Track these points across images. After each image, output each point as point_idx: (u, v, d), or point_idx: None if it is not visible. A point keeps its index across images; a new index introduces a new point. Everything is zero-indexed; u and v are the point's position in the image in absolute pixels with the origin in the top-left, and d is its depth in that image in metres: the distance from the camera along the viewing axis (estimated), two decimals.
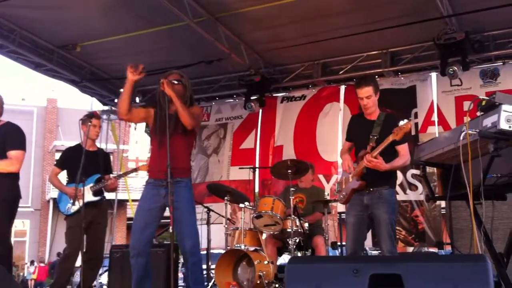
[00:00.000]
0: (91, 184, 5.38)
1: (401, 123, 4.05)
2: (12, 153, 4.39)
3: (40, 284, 17.74)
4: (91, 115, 5.45)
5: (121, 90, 9.02)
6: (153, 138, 4.29)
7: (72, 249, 5.16)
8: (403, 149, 4.34)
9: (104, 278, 7.68)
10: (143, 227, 4.10)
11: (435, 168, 4.49)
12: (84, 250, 5.02)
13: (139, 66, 4.09)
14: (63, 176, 5.65)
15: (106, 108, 9.23)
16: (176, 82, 4.15)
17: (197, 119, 4.31)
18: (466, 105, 6.73)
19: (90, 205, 5.28)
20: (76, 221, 5.12)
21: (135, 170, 5.83)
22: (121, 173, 6.19)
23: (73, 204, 5.22)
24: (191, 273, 4.10)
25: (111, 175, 5.65)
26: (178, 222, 4.03)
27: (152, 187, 4.15)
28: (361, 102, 4.46)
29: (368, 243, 5.78)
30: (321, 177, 7.79)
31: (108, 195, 5.80)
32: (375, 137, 4.31)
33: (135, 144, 24.32)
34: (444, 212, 6.89)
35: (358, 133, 4.56)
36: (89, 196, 5.33)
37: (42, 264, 19.30)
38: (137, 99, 9.24)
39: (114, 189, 5.76)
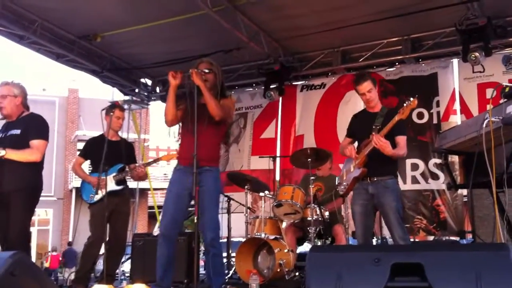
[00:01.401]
0: (114, 174, 5.44)
1: (406, 102, 4.05)
2: (33, 143, 4.41)
3: (53, 272, 18.04)
4: (114, 106, 5.47)
5: (142, 80, 9.15)
6: (183, 126, 4.30)
7: (95, 237, 5.24)
8: (402, 140, 4.38)
9: (126, 266, 7.78)
10: (172, 213, 4.17)
11: (456, 156, 4.46)
12: (107, 238, 5.10)
13: (179, 71, 4.11)
14: (86, 166, 5.75)
15: (127, 98, 9.29)
16: (206, 71, 4.16)
17: (227, 110, 4.26)
18: (489, 92, 6.68)
19: (112, 194, 5.32)
20: (99, 209, 5.21)
21: (158, 160, 5.86)
22: (149, 160, 6.23)
23: (96, 193, 5.30)
24: (212, 264, 4.15)
25: (137, 164, 5.67)
26: (201, 212, 4.06)
27: (181, 174, 4.19)
28: (363, 98, 4.54)
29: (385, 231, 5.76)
30: (341, 166, 7.74)
31: (130, 184, 5.85)
32: (378, 127, 4.34)
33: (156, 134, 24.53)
34: (466, 200, 6.83)
35: (360, 127, 4.61)
36: (111, 185, 5.37)
37: (54, 253, 19.61)
38: (158, 89, 9.31)
39: (142, 178, 5.78)
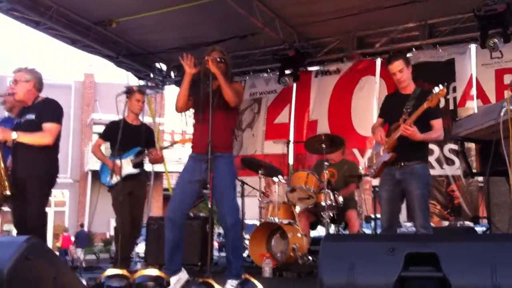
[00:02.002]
0: (132, 157, 5.47)
1: (436, 89, 3.99)
2: (46, 126, 4.42)
3: (65, 252, 18.46)
4: (131, 90, 5.51)
5: (157, 65, 9.16)
6: (195, 113, 4.36)
7: (122, 219, 5.25)
8: (438, 123, 4.28)
9: (140, 248, 7.88)
10: (181, 198, 4.22)
11: (473, 144, 4.43)
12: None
13: (191, 57, 4.17)
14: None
15: (142, 82, 9.32)
16: (219, 59, 4.19)
17: (240, 95, 4.36)
18: (507, 79, 6.60)
19: (129, 177, 5.38)
20: (116, 193, 5.27)
21: (174, 143, 5.95)
22: (166, 144, 6.28)
23: (111, 176, 5.37)
24: (232, 247, 4.21)
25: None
26: (218, 197, 4.14)
27: (194, 161, 4.24)
28: (394, 78, 4.45)
29: (403, 216, 5.75)
30: (355, 151, 7.74)
31: (146, 167, 5.86)
32: (409, 110, 4.26)
33: (171, 117, 24.59)
34: (481, 186, 6.79)
35: (392, 108, 4.51)
36: (128, 168, 5.41)
37: (65, 233, 19.98)
38: (172, 74, 9.32)
39: (159, 161, 5.78)
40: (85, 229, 19.57)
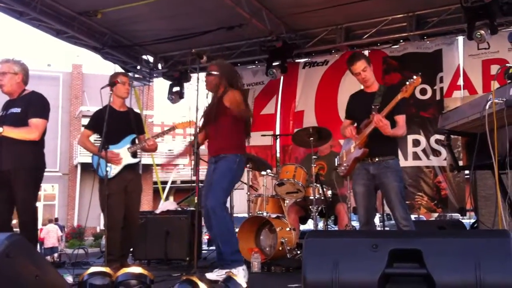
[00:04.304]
0: (128, 145, 5.03)
1: (410, 80, 3.98)
2: (32, 121, 4.38)
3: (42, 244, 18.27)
4: (113, 83, 4.98)
5: (144, 57, 9.04)
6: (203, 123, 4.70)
7: (113, 219, 4.80)
8: (401, 119, 4.29)
9: None
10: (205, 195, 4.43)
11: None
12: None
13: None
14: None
15: (129, 74, 9.22)
16: (207, 73, 4.58)
17: (239, 103, 4.39)
18: (494, 69, 6.61)
19: (128, 168, 5.00)
20: (117, 185, 4.86)
21: (173, 128, 5.35)
22: (165, 129, 5.83)
23: (106, 166, 4.73)
24: (217, 232, 4.28)
25: (146, 137, 5.31)
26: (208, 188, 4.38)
27: (209, 165, 4.57)
28: (359, 78, 4.45)
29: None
30: (342, 142, 7.72)
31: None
32: (377, 107, 4.26)
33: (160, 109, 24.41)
34: (468, 177, 6.81)
35: (359, 108, 4.51)
36: (127, 158, 4.99)
37: (42, 227, 19.81)
38: (159, 66, 9.23)
39: (153, 150, 5.34)
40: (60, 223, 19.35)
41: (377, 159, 4.30)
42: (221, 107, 4.42)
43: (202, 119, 4.63)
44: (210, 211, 4.23)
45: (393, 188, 4.22)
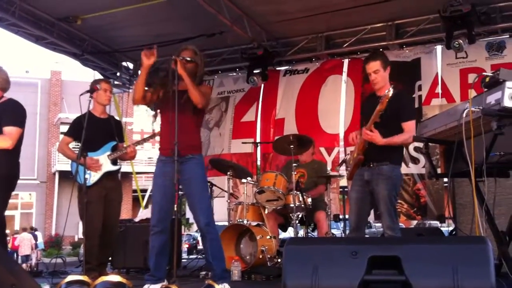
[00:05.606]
0: (108, 152, 4.99)
1: (386, 91, 3.97)
2: (6, 129, 4.31)
3: (14, 253, 18.00)
4: (93, 90, 4.88)
5: (124, 63, 8.99)
6: (162, 115, 4.23)
7: (91, 227, 4.71)
8: (408, 125, 4.22)
9: None
10: (162, 205, 4.08)
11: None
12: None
13: (153, 48, 3.99)
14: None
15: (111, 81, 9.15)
16: (188, 59, 4.05)
17: (207, 97, 4.23)
18: (471, 78, 6.71)
19: (108, 176, 4.95)
20: (97, 193, 4.81)
21: (153, 136, 5.24)
22: (145, 137, 5.75)
23: (85, 174, 4.74)
24: (210, 248, 4.12)
25: (125, 144, 5.31)
26: (191, 199, 4.11)
27: (163, 164, 4.10)
28: (370, 78, 4.38)
29: (371, 216, 5.77)
30: (322, 150, 7.78)
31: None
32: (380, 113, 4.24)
33: (140, 117, 24.22)
34: (447, 185, 6.88)
35: (367, 111, 4.45)
36: (108, 166, 4.95)
37: (16, 236, 19.53)
38: (139, 73, 9.16)
39: (133, 157, 5.29)
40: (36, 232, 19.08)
41: (371, 165, 4.26)
42: (189, 100, 4.03)
43: (161, 92, 4.14)
44: (204, 230, 4.07)
45: (383, 197, 4.16)
